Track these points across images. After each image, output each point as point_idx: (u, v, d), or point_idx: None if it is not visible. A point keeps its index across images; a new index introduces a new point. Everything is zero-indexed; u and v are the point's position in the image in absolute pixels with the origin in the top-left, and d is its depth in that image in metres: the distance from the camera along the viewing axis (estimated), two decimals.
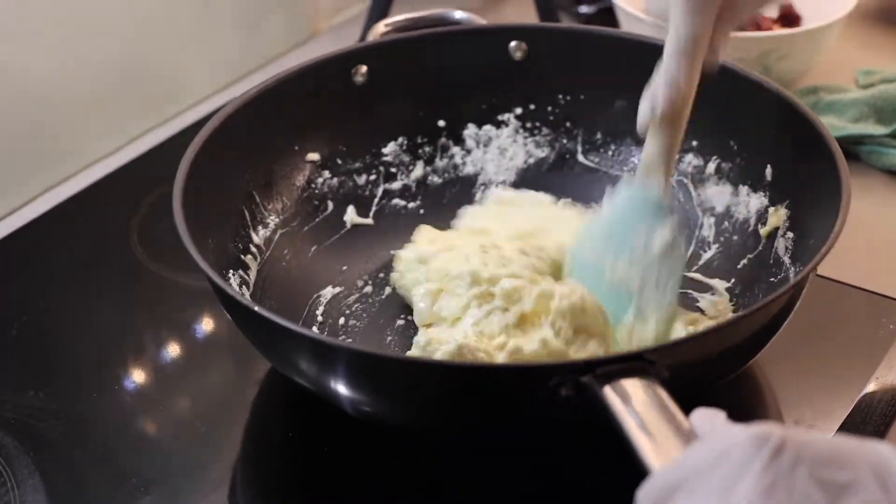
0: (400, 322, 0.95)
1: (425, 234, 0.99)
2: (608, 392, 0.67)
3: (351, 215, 1.04)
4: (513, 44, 1.06)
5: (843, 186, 0.84)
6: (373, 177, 1.06)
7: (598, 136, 1.07)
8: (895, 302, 0.97)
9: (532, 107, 1.07)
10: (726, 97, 0.97)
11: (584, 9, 1.39)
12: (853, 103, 1.18)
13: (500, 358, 0.83)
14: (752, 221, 0.97)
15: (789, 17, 1.29)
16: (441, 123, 1.07)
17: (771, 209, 0.95)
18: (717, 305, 0.94)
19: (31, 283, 1.04)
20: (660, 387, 0.67)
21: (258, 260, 0.95)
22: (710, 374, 0.80)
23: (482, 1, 1.47)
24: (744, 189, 0.98)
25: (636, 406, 0.66)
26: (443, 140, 1.08)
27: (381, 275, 1.00)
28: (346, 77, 1.03)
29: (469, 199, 1.07)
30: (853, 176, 1.11)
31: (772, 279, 0.92)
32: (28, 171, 1.16)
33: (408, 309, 0.95)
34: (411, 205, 1.06)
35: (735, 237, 0.98)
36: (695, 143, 1.02)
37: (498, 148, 1.08)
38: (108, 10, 1.19)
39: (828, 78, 1.26)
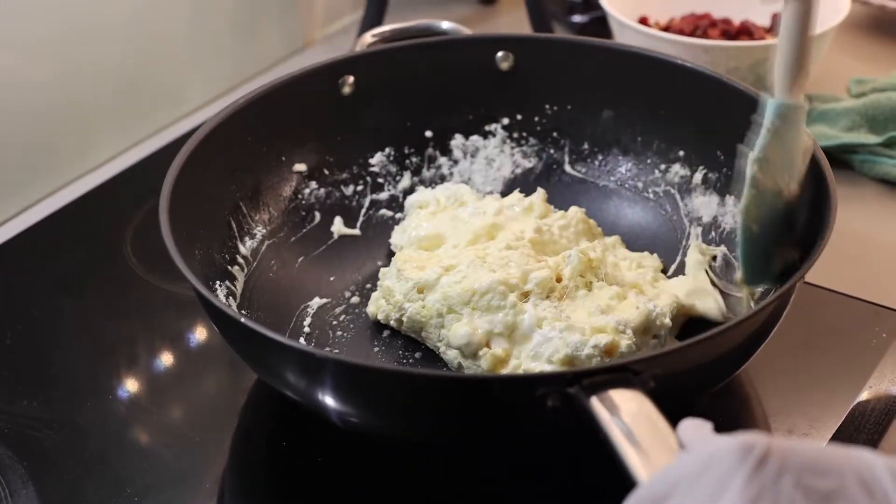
0: (387, 333, 0.95)
1: (406, 261, 0.96)
2: (595, 403, 0.68)
3: (338, 226, 1.03)
4: (500, 54, 1.06)
5: (831, 197, 0.83)
6: (360, 187, 1.06)
7: (585, 146, 1.07)
8: (888, 310, 0.97)
9: (519, 117, 1.07)
10: (712, 107, 0.98)
11: (577, 18, 1.39)
12: (845, 112, 1.18)
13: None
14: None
15: None
16: (428, 134, 1.07)
17: None
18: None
19: (25, 292, 1.04)
20: (646, 397, 0.67)
21: (245, 271, 0.95)
22: (699, 384, 0.80)
23: (476, 11, 1.47)
24: (730, 199, 0.98)
25: (623, 417, 0.66)
26: (430, 150, 1.08)
27: (369, 285, 1.00)
28: (333, 87, 1.03)
29: None
30: (846, 185, 1.13)
31: (759, 289, 0.92)
32: (23, 180, 1.15)
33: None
34: (398, 215, 1.06)
35: (722, 246, 0.98)
36: (681, 153, 1.02)
37: (485, 158, 1.08)
38: (104, 21, 1.19)
39: (820, 87, 1.26)
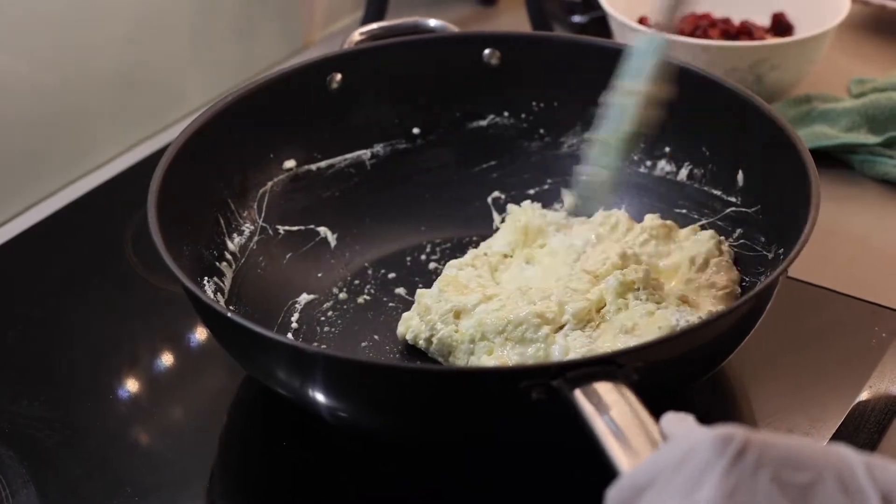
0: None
1: (449, 283, 0.94)
2: (578, 395, 0.68)
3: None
4: (487, 52, 1.06)
5: (813, 191, 0.84)
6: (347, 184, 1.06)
7: (573, 142, 1.07)
8: (888, 310, 0.97)
9: (506, 114, 1.08)
10: (698, 103, 0.98)
11: (576, 18, 1.39)
12: (845, 112, 1.18)
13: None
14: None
15: (782, 27, 1.30)
16: (416, 131, 1.08)
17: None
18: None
19: (25, 292, 1.04)
20: (629, 390, 0.68)
21: (233, 267, 0.95)
22: (683, 376, 0.81)
23: (476, 12, 1.47)
24: (716, 194, 0.99)
25: (606, 409, 0.67)
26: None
27: (357, 282, 1.00)
28: (321, 85, 1.04)
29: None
30: (846, 185, 1.13)
31: (744, 283, 0.93)
32: (25, 181, 1.16)
33: (384, 315, 0.96)
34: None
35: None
36: (667, 149, 1.03)
37: None
38: (105, 22, 1.19)
39: (820, 87, 1.26)
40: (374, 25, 1.09)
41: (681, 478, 0.55)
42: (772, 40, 1.25)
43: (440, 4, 1.47)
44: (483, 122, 1.08)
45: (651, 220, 0.98)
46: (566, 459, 0.81)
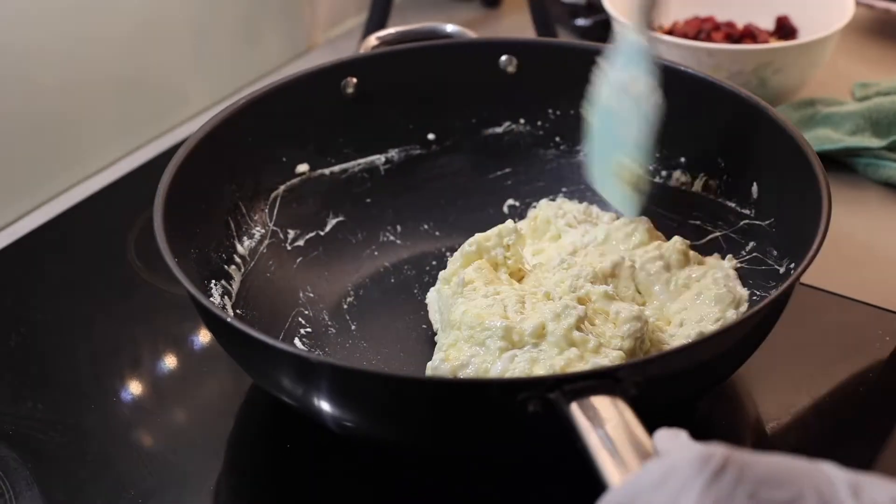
0: None
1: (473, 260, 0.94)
2: (574, 409, 0.68)
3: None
4: (503, 58, 1.06)
5: (824, 204, 0.83)
6: (360, 189, 1.06)
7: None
8: (891, 314, 0.97)
9: (522, 121, 1.08)
10: (713, 114, 0.98)
11: (580, 22, 1.39)
12: (849, 116, 1.18)
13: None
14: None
15: (785, 30, 1.29)
16: (431, 137, 1.08)
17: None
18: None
19: (28, 295, 1.04)
20: (625, 404, 0.67)
21: (242, 270, 0.95)
22: (685, 391, 0.80)
23: (479, 14, 1.47)
24: (731, 206, 0.98)
25: (601, 423, 0.66)
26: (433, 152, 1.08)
27: (369, 287, 1.00)
28: (335, 89, 1.03)
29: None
30: (850, 189, 1.12)
31: (753, 298, 0.92)
32: (28, 183, 1.16)
33: (396, 321, 0.96)
34: None
35: None
36: (682, 159, 1.02)
37: None
38: (108, 25, 1.20)
39: (824, 90, 1.26)
40: (391, 30, 1.09)
41: (661, 495, 0.55)
42: (776, 44, 1.24)
43: (444, 7, 1.47)
44: (499, 129, 1.08)
45: (675, 242, 0.95)
46: (564, 473, 0.80)
